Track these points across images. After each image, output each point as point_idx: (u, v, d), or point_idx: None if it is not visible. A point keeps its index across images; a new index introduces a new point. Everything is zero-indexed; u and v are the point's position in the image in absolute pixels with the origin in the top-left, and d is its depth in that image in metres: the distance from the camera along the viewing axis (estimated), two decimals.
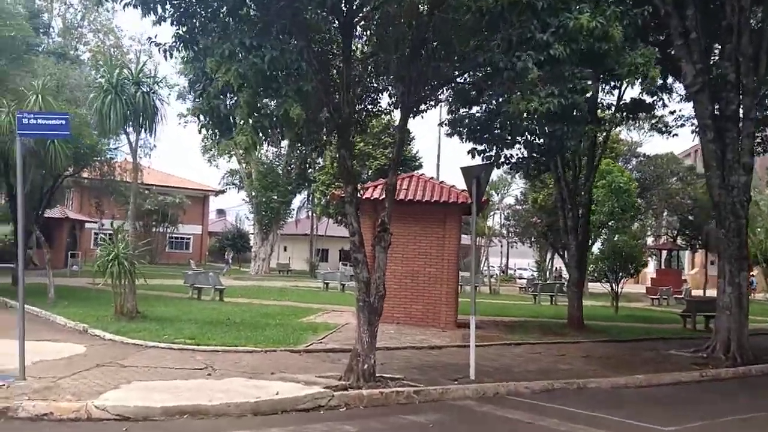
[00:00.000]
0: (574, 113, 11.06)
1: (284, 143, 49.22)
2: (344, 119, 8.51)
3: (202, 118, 8.12)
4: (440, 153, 62.39)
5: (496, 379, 9.72)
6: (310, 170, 48.62)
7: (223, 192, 55.72)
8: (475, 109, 19.63)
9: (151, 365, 8.93)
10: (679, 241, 44.86)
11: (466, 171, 9.77)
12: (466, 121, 19.92)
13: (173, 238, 55.82)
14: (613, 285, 23.88)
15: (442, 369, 10.39)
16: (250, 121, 7.43)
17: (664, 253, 44.06)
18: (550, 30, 7.40)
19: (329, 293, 27.68)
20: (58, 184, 23.54)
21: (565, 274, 63.10)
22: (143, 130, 14.62)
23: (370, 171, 31.01)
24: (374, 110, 10.91)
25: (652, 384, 10.37)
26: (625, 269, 23.20)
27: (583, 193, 18.21)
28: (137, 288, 14.43)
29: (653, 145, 51.99)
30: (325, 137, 9.12)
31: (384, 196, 16.67)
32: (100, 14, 36.59)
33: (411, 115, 9.14)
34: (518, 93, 8.14)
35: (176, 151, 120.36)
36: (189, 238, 58.00)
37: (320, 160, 47.28)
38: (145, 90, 14.29)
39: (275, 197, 44.35)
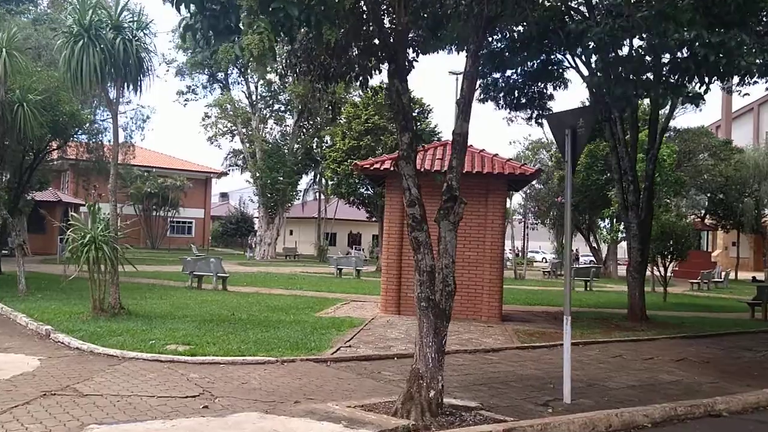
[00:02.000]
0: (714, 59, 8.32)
1: (289, 122, 47.16)
2: (398, 36, 5.87)
3: (185, 11, 5.41)
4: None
5: (595, 400, 7.16)
6: (316, 149, 46.05)
7: (225, 174, 53.15)
8: (509, 72, 17.26)
9: (123, 392, 6.29)
10: (707, 221, 42.24)
11: (556, 120, 7.13)
12: (502, 84, 17.48)
13: (174, 222, 53.42)
14: (661, 269, 21.41)
15: (518, 385, 7.82)
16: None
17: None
18: None
19: (343, 280, 25.14)
20: (39, 160, 20.99)
21: (583, 258, 60.60)
22: (125, 86, 11.93)
23: (385, 147, 28.29)
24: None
25: None
26: (680, 252, 20.58)
27: (647, 162, 15.55)
28: (126, 277, 11.85)
29: (684, 118, 48.55)
30: (369, 62, 6.43)
31: (433, 165, 14.19)
32: None
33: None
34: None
35: (176, 132, 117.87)
36: (191, 222, 55.57)
37: (327, 138, 45.14)
38: (126, 36, 11.60)
39: (281, 178, 41.80)
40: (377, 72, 7.24)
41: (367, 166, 14.37)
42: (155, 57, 12.38)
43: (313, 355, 8.81)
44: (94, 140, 22.48)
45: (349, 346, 9.78)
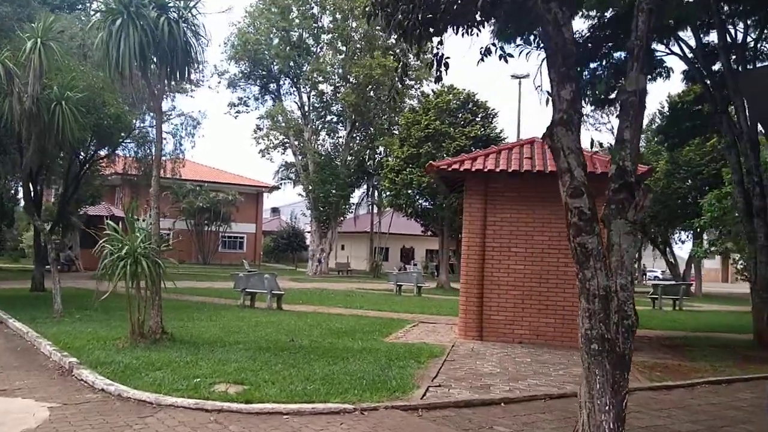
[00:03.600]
0: None
1: (342, 133, 45.71)
2: None
3: None
4: (520, 120, 56.72)
5: None
6: (369, 162, 44.42)
7: (277, 188, 52.08)
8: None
9: None
10: None
11: (753, 77, 5.04)
12: (587, 76, 15.49)
13: (226, 238, 52.48)
14: None
15: None
16: None
17: None
18: None
19: (404, 298, 23.15)
20: (87, 170, 19.84)
21: (651, 273, 56.62)
22: (170, 75, 10.30)
23: (447, 154, 26.32)
24: None
25: None
26: None
27: None
28: (175, 294, 10.16)
29: None
30: None
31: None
32: None
33: None
34: None
35: (226, 145, 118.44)
36: (242, 238, 54.55)
37: (381, 149, 43.48)
38: (172, 16, 10.00)
39: (333, 191, 40.25)
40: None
41: (444, 166, 12.40)
42: (205, 45, 10.68)
43: (398, 400, 6.85)
44: (141, 149, 21.21)
45: (439, 386, 7.78)
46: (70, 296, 16.42)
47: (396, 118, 42.60)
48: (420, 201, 29.44)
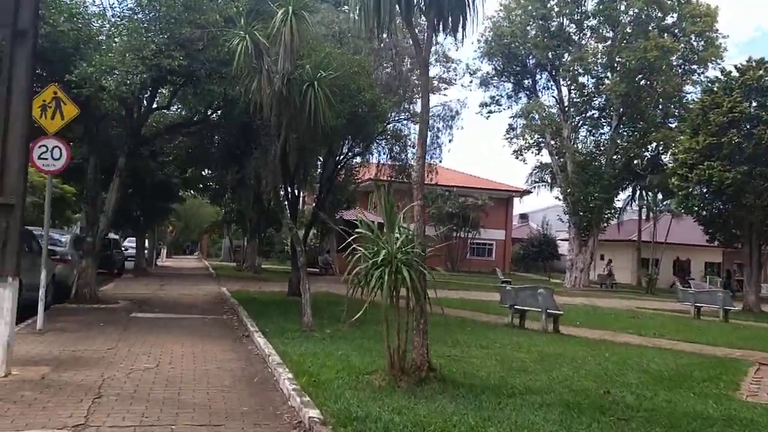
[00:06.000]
0: None
1: (605, 129, 40.76)
2: None
3: None
4: None
5: None
6: (636, 162, 38.83)
7: (529, 192, 48.51)
8: None
9: None
10: None
11: None
12: None
13: (474, 244, 50.46)
14: None
15: None
16: None
17: None
18: None
19: (706, 323, 18.27)
20: (341, 166, 18.68)
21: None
22: (437, 24, 7.76)
23: (759, 144, 20.61)
24: None
25: None
26: None
27: None
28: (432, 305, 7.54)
29: None
30: None
31: None
32: None
33: None
34: None
35: (474, 149, 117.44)
36: (491, 244, 52.09)
37: (652, 145, 37.67)
38: None
39: (596, 194, 35.67)
40: None
41: None
42: None
43: None
44: (396, 145, 19.61)
45: None
46: (323, 303, 15.12)
47: (673, 109, 36.64)
48: (717, 203, 23.82)
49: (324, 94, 11.12)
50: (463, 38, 8.78)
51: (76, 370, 7.05)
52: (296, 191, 17.93)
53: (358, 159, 20.47)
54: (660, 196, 38.99)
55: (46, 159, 10.08)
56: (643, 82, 34.95)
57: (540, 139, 40.82)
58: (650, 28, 34.71)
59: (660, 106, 35.58)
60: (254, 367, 7.87)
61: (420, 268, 7.18)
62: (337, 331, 11.17)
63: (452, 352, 9.53)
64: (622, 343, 12.49)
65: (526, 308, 14.08)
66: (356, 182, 30.23)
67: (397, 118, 18.72)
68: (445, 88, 32.36)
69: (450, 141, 62.55)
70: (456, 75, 34.05)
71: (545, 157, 42.04)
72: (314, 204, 19.85)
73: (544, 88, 41.23)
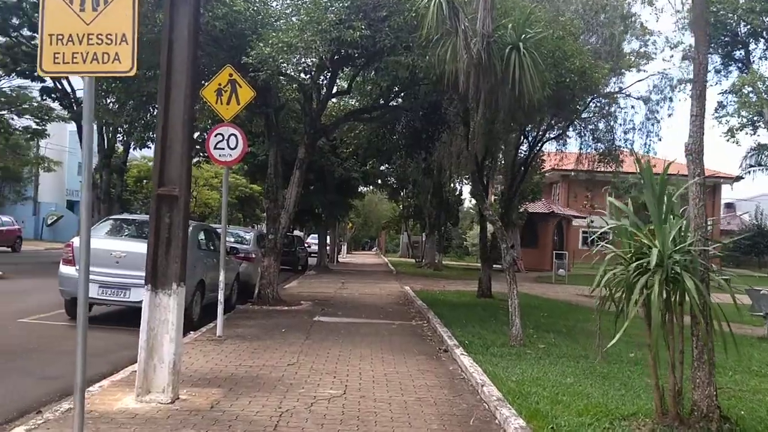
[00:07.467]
0: None
1: None
2: None
3: None
4: None
5: None
6: None
7: (741, 178, 42.19)
8: None
9: None
10: None
11: None
12: None
13: None
14: None
15: None
16: None
17: None
18: None
19: None
20: (534, 156, 16.45)
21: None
22: None
23: None
24: None
25: None
26: None
27: None
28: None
29: None
30: None
31: None
32: None
33: None
34: None
35: (675, 131, 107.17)
36: None
37: None
38: None
39: None
40: None
41: None
42: None
43: None
44: (596, 123, 16.94)
45: None
46: (523, 307, 13.10)
47: None
48: None
49: (531, 58, 9.12)
50: None
51: (251, 396, 5.78)
52: (484, 180, 16.06)
53: (552, 143, 18.06)
54: None
55: (223, 149, 9.19)
56: None
57: (756, 118, 35.06)
58: None
59: None
60: (463, 399, 6.10)
61: (706, 276, 4.95)
62: (550, 345, 9.20)
63: (719, 381, 7.08)
64: None
65: None
66: (542, 171, 27.70)
67: (606, 92, 16.09)
68: (644, 63, 28.65)
69: (669, 116, 56.80)
70: (656, 48, 30.05)
71: (763, 137, 36.12)
72: (503, 196, 17.82)
73: (760, 58, 35.38)
